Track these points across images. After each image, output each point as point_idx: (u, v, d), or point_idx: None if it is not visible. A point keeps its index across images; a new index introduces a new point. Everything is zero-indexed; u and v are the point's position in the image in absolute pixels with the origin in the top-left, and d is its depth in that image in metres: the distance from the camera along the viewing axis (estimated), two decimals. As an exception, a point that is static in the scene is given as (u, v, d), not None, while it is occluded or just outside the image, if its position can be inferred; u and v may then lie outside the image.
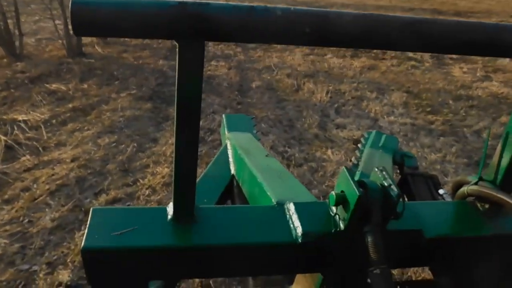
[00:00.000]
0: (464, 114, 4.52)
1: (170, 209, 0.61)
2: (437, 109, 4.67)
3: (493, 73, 6.12)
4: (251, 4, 0.41)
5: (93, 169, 3.19)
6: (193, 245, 0.59)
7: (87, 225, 0.61)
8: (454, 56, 7.15)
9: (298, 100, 4.84)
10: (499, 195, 0.58)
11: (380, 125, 4.19)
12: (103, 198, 2.83)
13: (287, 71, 5.97)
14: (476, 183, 0.66)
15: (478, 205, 0.68)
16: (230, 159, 1.05)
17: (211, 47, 7.54)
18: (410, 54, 7.30)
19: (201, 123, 4.02)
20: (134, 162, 3.33)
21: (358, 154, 1.21)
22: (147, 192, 2.91)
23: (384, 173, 0.58)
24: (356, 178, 0.63)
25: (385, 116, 4.41)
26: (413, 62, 6.67)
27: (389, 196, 0.56)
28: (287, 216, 0.65)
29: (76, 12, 0.37)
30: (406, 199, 1.09)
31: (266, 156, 1.01)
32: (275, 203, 0.71)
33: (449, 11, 13.55)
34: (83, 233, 2.16)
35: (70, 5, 0.38)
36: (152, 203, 2.78)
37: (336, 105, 4.70)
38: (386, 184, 0.57)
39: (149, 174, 3.14)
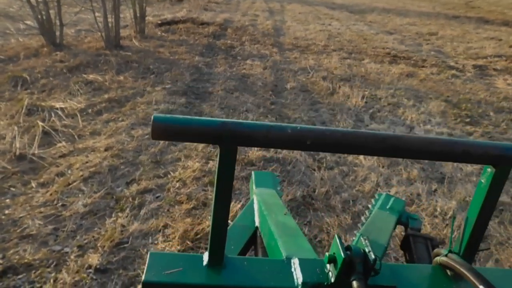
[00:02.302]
0: (505, 126, 4.31)
1: (206, 256, 0.81)
2: (477, 120, 4.48)
3: (539, 86, 5.81)
4: (270, 123, 0.60)
5: (126, 159, 3.24)
6: (221, 285, 0.78)
7: (146, 265, 0.78)
8: (498, 67, 6.85)
9: (333, 104, 4.75)
10: (459, 267, 0.74)
11: (415, 133, 4.05)
12: (134, 187, 2.86)
13: (323, 74, 5.89)
14: (446, 255, 0.83)
15: (448, 271, 0.85)
16: (256, 213, 1.26)
17: (248, 47, 7.55)
18: (452, 63, 7.07)
19: (233, 119, 4.02)
20: (166, 154, 3.35)
21: (367, 214, 1.34)
22: (177, 184, 2.92)
23: (366, 241, 0.76)
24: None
25: (421, 125, 4.27)
26: (453, 71, 6.44)
27: (368, 259, 0.72)
28: (293, 268, 0.83)
29: (156, 125, 0.56)
30: (407, 256, 1.28)
31: (285, 214, 1.20)
32: (284, 257, 0.90)
33: (496, 20, 12.97)
34: (114, 220, 2.19)
35: (152, 119, 0.56)
36: (182, 195, 2.78)
37: (371, 111, 4.59)
38: (367, 250, 0.74)
39: (180, 168, 3.15)
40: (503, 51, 8.12)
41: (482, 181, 0.64)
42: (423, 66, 6.73)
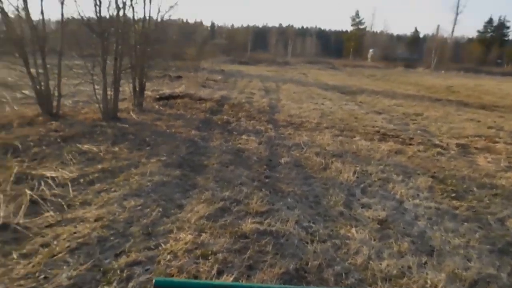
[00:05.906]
0: (488, 201, 4.37)
1: None
2: (462, 195, 4.54)
3: (519, 165, 5.99)
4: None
5: (116, 230, 3.16)
6: None
7: None
8: (478, 146, 7.12)
9: (325, 178, 4.81)
10: None
11: (405, 207, 4.07)
12: (123, 259, 2.76)
13: (316, 150, 6.04)
14: None
15: None
16: None
17: (243, 122, 7.80)
18: (437, 141, 7.33)
19: (227, 193, 4.03)
20: (158, 226, 3.29)
21: None
22: (168, 257, 2.83)
23: None
24: None
25: (410, 199, 4.31)
26: (439, 149, 6.65)
27: None
28: None
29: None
30: None
31: None
32: None
33: (474, 103, 13.74)
34: (99, 294, 2.07)
35: (154, 282, 0.66)
36: (173, 268, 2.69)
37: (362, 185, 4.64)
38: None
39: (172, 240, 3.08)
40: (482, 132, 8.50)
41: None
42: (410, 144, 6.95)
